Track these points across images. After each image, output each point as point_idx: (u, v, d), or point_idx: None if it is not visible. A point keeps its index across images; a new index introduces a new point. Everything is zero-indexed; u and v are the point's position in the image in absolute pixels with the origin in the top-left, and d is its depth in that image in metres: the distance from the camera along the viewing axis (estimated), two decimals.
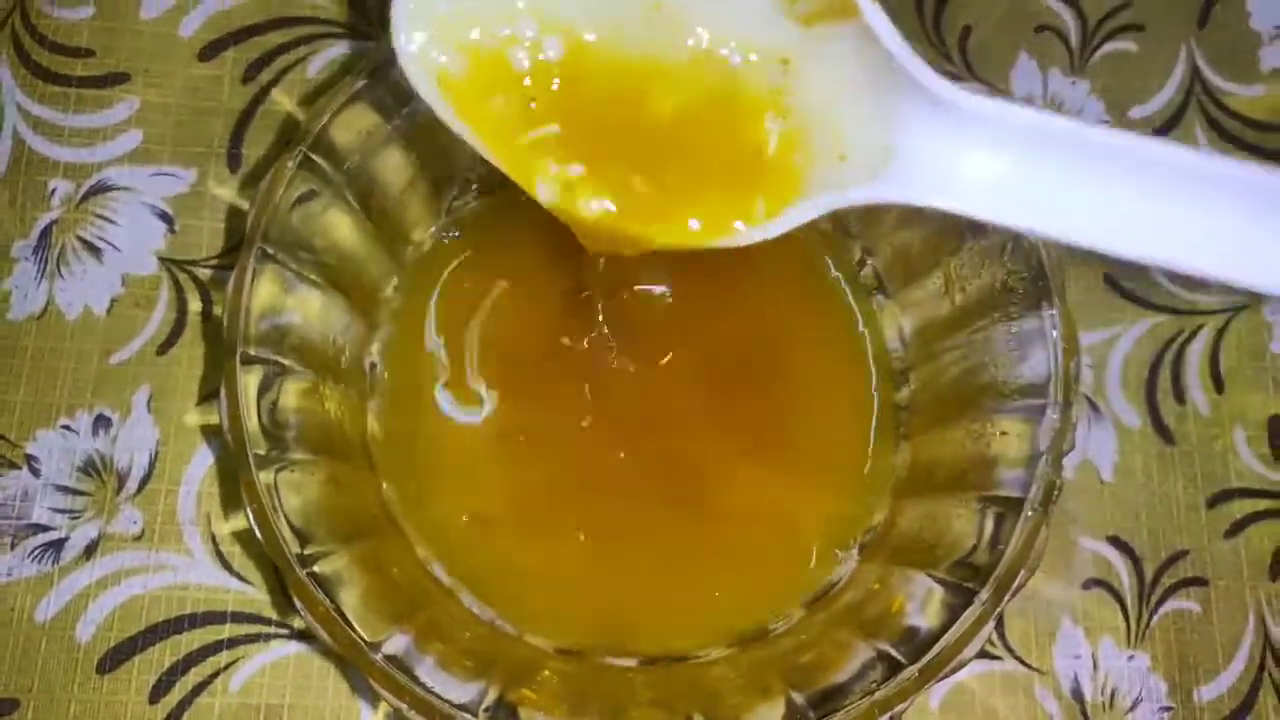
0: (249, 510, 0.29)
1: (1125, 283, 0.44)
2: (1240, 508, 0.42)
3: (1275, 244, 0.21)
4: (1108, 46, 0.47)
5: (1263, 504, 0.42)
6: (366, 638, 0.29)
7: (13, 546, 0.38)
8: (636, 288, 0.39)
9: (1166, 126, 0.46)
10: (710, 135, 0.24)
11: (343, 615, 0.29)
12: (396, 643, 0.30)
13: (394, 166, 0.35)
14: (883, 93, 0.22)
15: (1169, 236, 0.21)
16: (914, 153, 0.22)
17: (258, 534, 0.29)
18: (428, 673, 0.30)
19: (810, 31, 0.22)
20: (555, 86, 0.24)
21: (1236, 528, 0.42)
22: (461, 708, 0.29)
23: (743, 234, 0.25)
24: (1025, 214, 0.23)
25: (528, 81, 0.24)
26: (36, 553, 0.38)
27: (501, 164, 0.25)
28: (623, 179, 0.25)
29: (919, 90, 0.22)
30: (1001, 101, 0.22)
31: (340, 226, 0.34)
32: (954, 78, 0.43)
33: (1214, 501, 0.42)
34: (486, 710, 0.29)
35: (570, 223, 0.26)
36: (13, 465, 0.38)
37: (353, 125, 0.33)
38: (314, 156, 0.32)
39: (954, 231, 0.35)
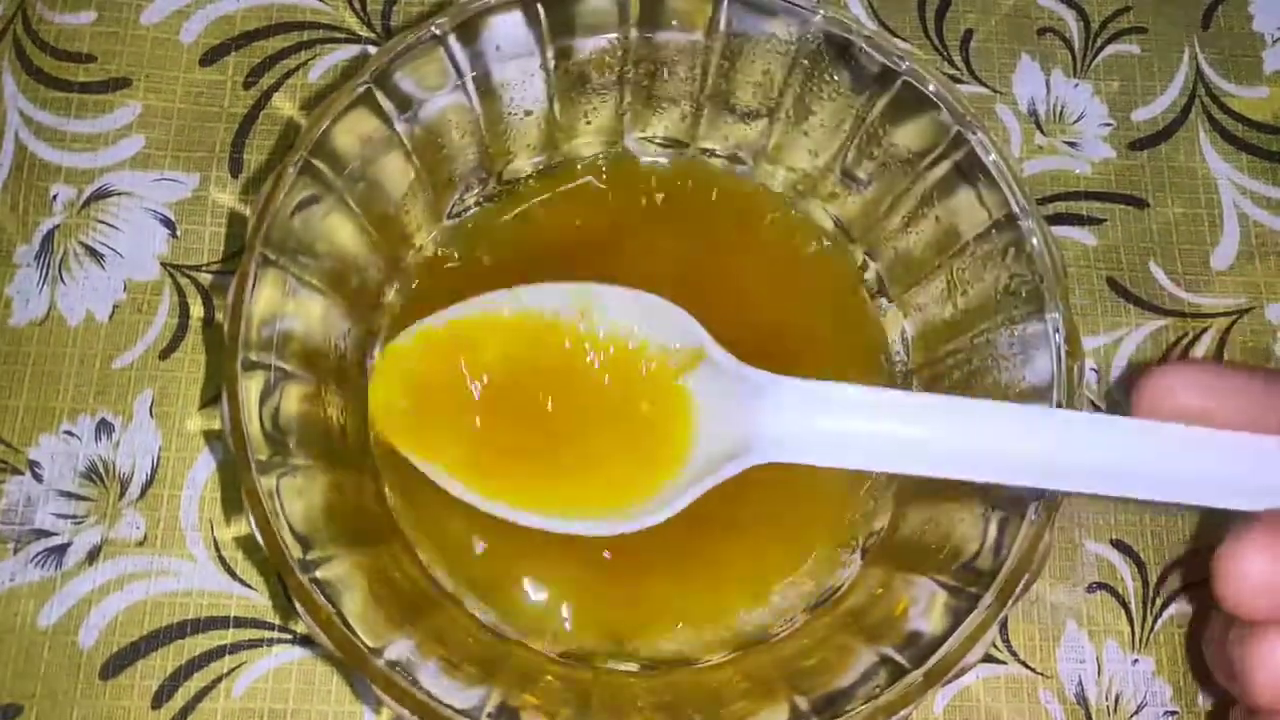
0: (250, 516, 0.29)
1: (1129, 286, 0.44)
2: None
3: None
4: (1110, 49, 0.47)
5: None
6: (369, 643, 0.29)
7: (15, 552, 0.38)
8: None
9: (1170, 129, 0.46)
10: (611, 436, 0.33)
11: (345, 621, 0.29)
12: (399, 648, 0.30)
13: (395, 171, 0.35)
14: (738, 395, 0.31)
15: (978, 462, 0.29)
16: (769, 431, 0.30)
17: (259, 539, 0.29)
18: (430, 678, 0.30)
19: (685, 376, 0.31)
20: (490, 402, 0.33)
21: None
22: (464, 713, 0.29)
23: (636, 517, 0.32)
24: (865, 460, 0.30)
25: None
26: (39, 558, 0.38)
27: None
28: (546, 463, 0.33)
29: (763, 391, 0.30)
30: (820, 385, 0.30)
31: (341, 231, 0.34)
32: (956, 80, 0.43)
33: None
34: (489, 716, 0.29)
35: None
36: (15, 471, 0.38)
37: (354, 130, 0.33)
38: (315, 161, 0.32)
39: (956, 235, 0.35)
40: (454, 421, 0.34)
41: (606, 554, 0.36)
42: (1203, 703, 0.39)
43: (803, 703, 0.31)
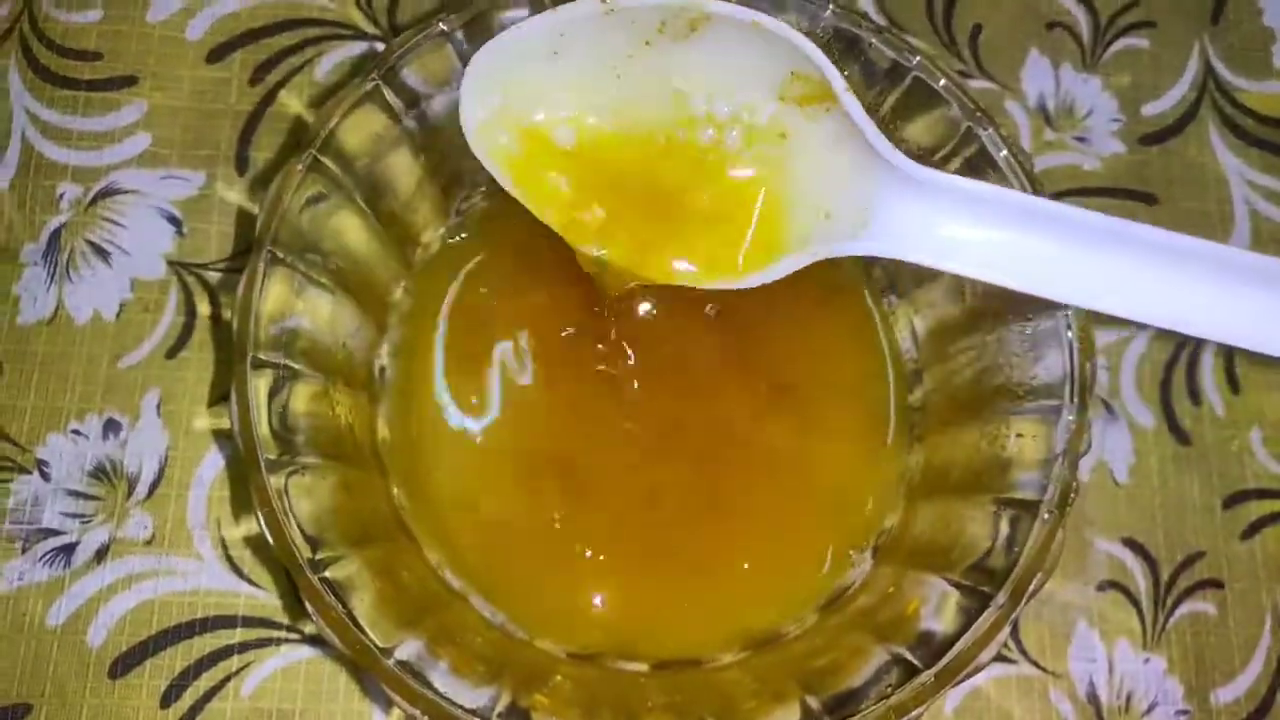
0: (260, 515, 0.29)
1: None
2: (1257, 509, 0.41)
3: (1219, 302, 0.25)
4: (1120, 43, 0.46)
5: (1279, 505, 0.41)
6: (379, 643, 0.29)
7: (24, 551, 0.37)
8: (647, 291, 0.38)
9: (1180, 123, 0.46)
10: (715, 194, 0.28)
11: (355, 620, 0.29)
12: (409, 648, 0.30)
13: (403, 169, 0.35)
14: (861, 165, 0.26)
15: (1110, 289, 0.26)
16: (888, 216, 0.26)
17: (269, 539, 0.29)
18: (440, 678, 0.29)
19: (803, 111, 0.27)
20: (589, 158, 0.28)
21: (1253, 529, 0.41)
22: (474, 713, 0.29)
23: (744, 278, 0.29)
24: (985, 269, 0.27)
25: (567, 154, 0.29)
26: (48, 557, 0.38)
27: (547, 220, 0.30)
28: (642, 229, 0.29)
29: (890, 167, 0.26)
30: (957, 178, 0.27)
31: (349, 229, 0.34)
32: (965, 76, 0.43)
33: (1230, 503, 0.41)
34: (499, 715, 0.29)
35: (596, 267, 0.31)
36: (23, 470, 0.38)
37: (361, 128, 0.33)
38: (323, 159, 0.32)
39: None
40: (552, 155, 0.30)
41: (618, 553, 0.36)
42: (1215, 701, 0.39)
43: (814, 703, 0.30)
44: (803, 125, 0.27)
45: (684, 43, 0.27)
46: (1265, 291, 0.26)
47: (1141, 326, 0.42)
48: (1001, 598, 0.30)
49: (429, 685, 0.29)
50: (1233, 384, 0.43)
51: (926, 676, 0.29)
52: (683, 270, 0.29)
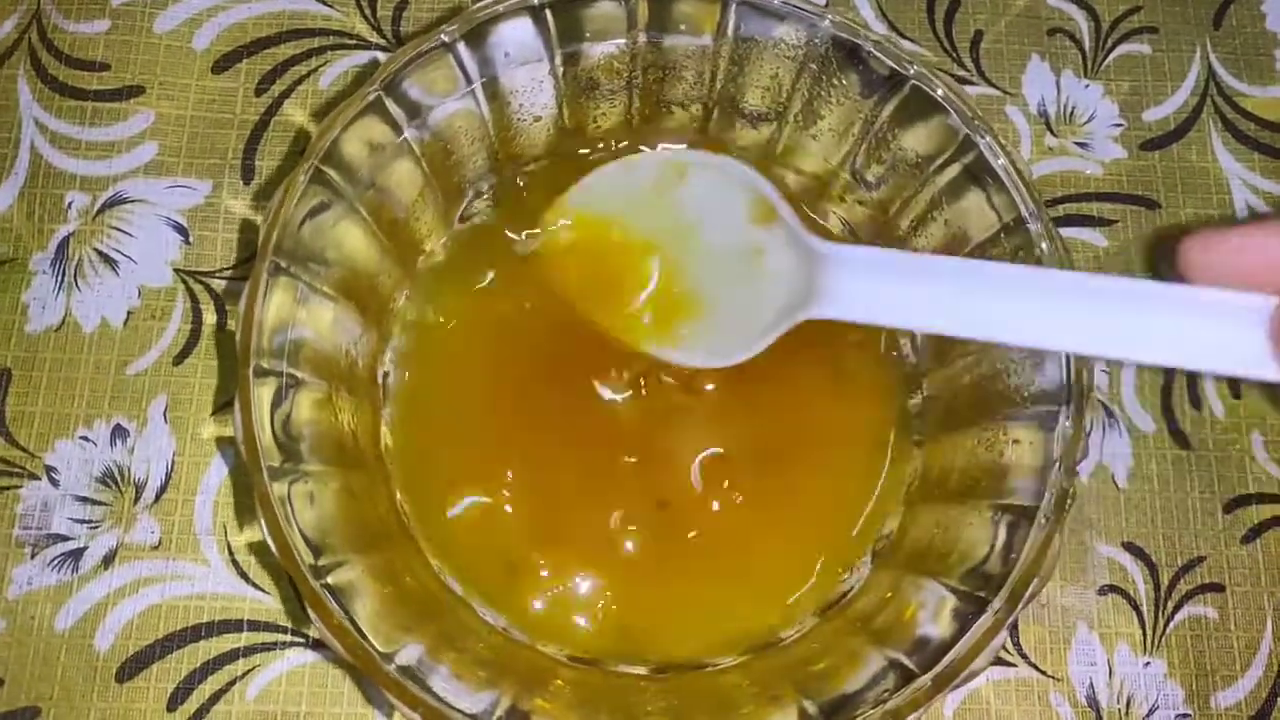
0: (262, 521, 0.29)
1: None
2: (1257, 513, 0.42)
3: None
4: (1121, 49, 0.47)
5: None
6: (380, 648, 0.29)
7: (32, 556, 0.38)
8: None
9: (1181, 129, 0.46)
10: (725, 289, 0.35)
11: (356, 626, 0.29)
12: (410, 653, 0.30)
13: (405, 178, 0.36)
14: (805, 255, 0.32)
15: (1035, 327, 0.28)
16: (836, 288, 0.31)
17: (272, 546, 0.29)
18: (441, 682, 0.30)
19: (763, 227, 0.33)
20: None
21: (1254, 533, 0.41)
22: (474, 717, 0.29)
23: (733, 356, 0.34)
24: (916, 322, 0.32)
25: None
26: (56, 562, 0.38)
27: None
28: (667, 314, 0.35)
29: (825, 254, 0.31)
30: (875, 251, 0.32)
31: (352, 238, 0.35)
32: (966, 82, 0.43)
33: (1231, 507, 0.42)
34: (499, 719, 0.30)
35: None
36: (32, 476, 0.39)
37: (364, 137, 0.33)
38: (325, 169, 0.32)
39: (965, 239, 0.35)
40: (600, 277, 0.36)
41: (619, 558, 0.36)
42: (1215, 705, 0.39)
43: (811, 707, 0.31)
44: (767, 238, 0.33)
45: (681, 187, 0.35)
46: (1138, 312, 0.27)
47: None
48: (998, 603, 0.30)
49: (429, 690, 0.29)
50: (1233, 388, 0.43)
51: (923, 681, 0.30)
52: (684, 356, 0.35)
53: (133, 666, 0.37)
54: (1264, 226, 0.26)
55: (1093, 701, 0.39)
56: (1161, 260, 0.44)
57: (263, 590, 0.38)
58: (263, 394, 0.30)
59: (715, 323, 0.34)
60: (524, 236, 0.39)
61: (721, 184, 0.34)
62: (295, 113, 0.43)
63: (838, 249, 0.31)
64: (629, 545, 0.36)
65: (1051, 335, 0.28)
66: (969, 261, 0.32)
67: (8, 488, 0.39)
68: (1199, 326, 0.26)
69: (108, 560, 0.38)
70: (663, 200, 0.35)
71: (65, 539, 0.38)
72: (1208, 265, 0.26)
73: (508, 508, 0.36)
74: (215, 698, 0.37)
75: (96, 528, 0.38)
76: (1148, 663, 0.40)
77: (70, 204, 0.41)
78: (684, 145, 0.40)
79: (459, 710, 0.29)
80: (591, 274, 0.36)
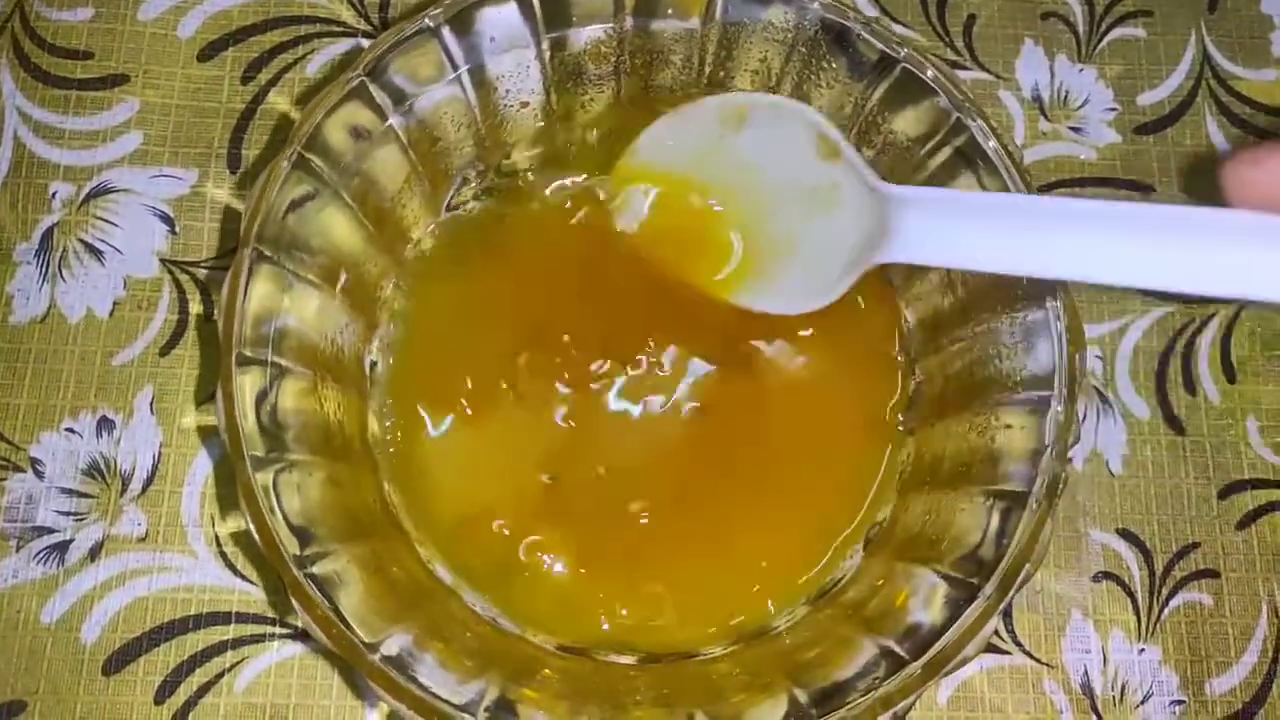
0: (246, 512, 0.29)
1: None
2: (1252, 499, 0.41)
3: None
4: (1116, 32, 0.46)
5: (1275, 495, 0.41)
6: (365, 638, 0.29)
7: (18, 549, 0.38)
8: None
9: (1176, 112, 0.45)
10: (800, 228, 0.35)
11: (341, 616, 0.29)
12: (396, 642, 0.30)
13: (391, 165, 0.35)
14: (877, 198, 0.32)
15: (1105, 262, 0.28)
16: (906, 230, 0.31)
17: (255, 535, 0.29)
18: (427, 672, 0.29)
19: (833, 164, 0.33)
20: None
21: (1248, 519, 0.41)
22: (461, 708, 0.29)
23: (805, 303, 0.34)
24: (984, 263, 0.30)
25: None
26: (42, 555, 0.38)
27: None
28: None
29: (892, 196, 0.31)
30: (941, 191, 0.32)
31: (337, 226, 0.34)
32: (959, 67, 0.42)
33: (1225, 493, 0.41)
34: (487, 710, 0.29)
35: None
36: (17, 468, 0.38)
37: (348, 124, 0.33)
38: (308, 156, 0.32)
39: None
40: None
41: (609, 546, 0.36)
42: (1210, 691, 0.39)
43: (802, 695, 0.30)
44: (837, 176, 0.33)
45: (743, 131, 0.35)
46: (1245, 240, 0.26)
47: (1140, 314, 0.42)
48: (989, 589, 0.30)
49: (415, 680, 0.29)
50: (1228, 373, 0.42)
51: (914, 668, 0.30)
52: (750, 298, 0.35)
53: (120, 659, 0.37)
54: None
55: (1087, 689, 0.39)
56: None
57: (250, 582, 0.38)
58: (245, 383, 0.30)
59: (795, 267, 0.34)
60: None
61: (784, 123, 0.34)
62: (281, 101, 0.43)
63: (905, 190, 0.31)
64: (620, 532, 0.36)
65: (1123, 269, 0.27)
66: (1034, 197, 0.31)
67: None
68: (1261, 253, 0.25)
69: (94, 553, 0.38)
70: (728, 146, 0.35)
71: (51, 532, 0.38)
72: (1252, 184, 0.25)
73: (495, 497, 0.36)
74: (203, 690, 0.37)
75: (83, 520, 0.38)
76: (1142, 649, 0.40)
77: (54, 194, 0.41)
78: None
79: (445, 700, 0.29)
80: (676, 235, 0.36)
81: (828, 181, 0.33)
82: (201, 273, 0.41)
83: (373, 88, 0.33)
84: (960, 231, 0.29)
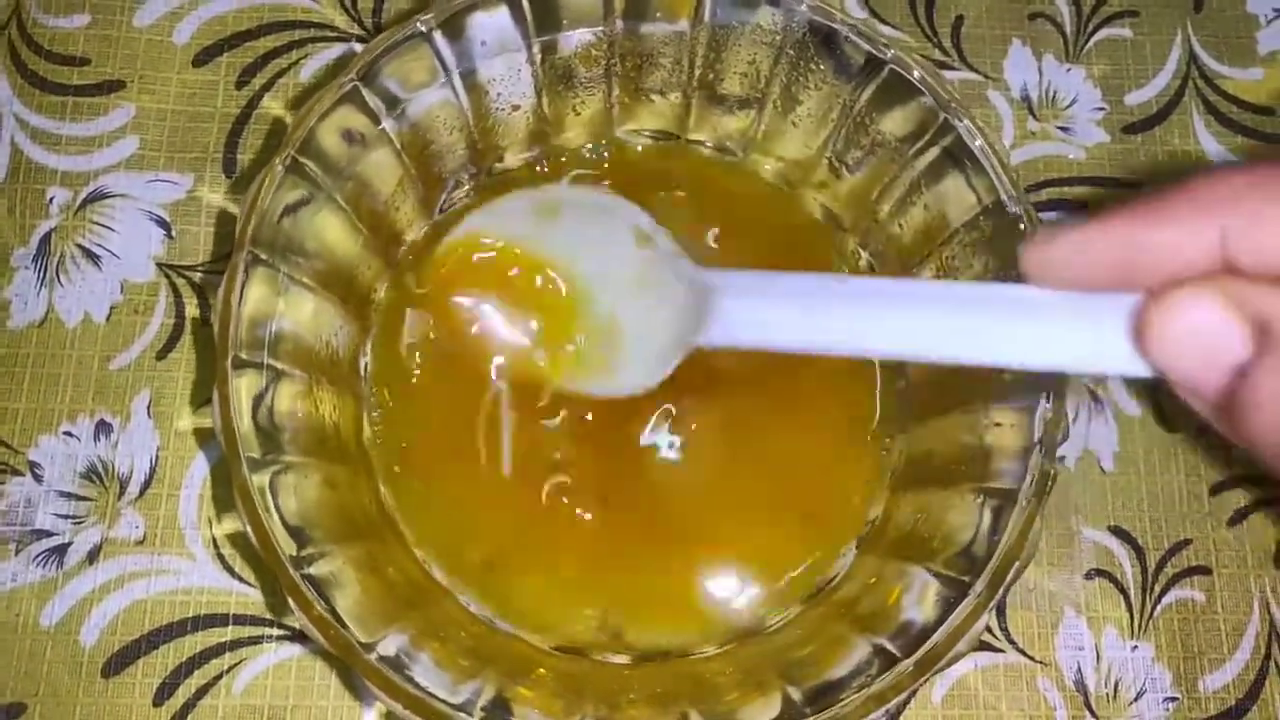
0: (242, 513, 0.29)
1: None
2: (1243, 496, 0.42)
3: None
4: (1102, 32, 0.47)
5: (1266, 492, 0.41)
6: (361, 639, 0.29)
7: (17, 552, 0.38)
8: None
9: (1163, 112, 0.46)
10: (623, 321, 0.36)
11: (337, 617, 0.29)
12: (392, 643, 0.30)
13: (384, 168, 0.35)
14: (696, 284, 0.32)
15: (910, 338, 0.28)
16: (724, 314, 0.31)
17: (251, 537, 0.29)
18: (424, 672, 0.30)
19: (647, 252, 0.35)
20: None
21: (1240, 516, 0.41)
22: (457, 708, 0.29)
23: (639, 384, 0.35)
24: (802, 339, 0.30)
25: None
26: (40, 558, 0.38)
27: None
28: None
29: (708, 282, 0.32)
30: (763, 275, 0.31)
31: (331, 229, 0.34)
32: (947, 67, 0.43)
33: (1217, 490, 0.42)
34: (482, 710, 0.29)
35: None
36: (15, 472, 0.39)
37: (341, 128, 0.33)
38: (302, 160, 0.32)
39: (945, 222, 0.35)
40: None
41: (604, 546, 0.36)
42: (1203, 688, 0.39)
43: (795, 693, 0.31)
44: (657, 261, 0.34)
45: (555, 220, 0.36)
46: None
47: None
48: (980, 586, 0.30)
49: (411, 680, 0.29)
50: None
51: (906, 665, 0.30)
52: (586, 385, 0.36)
53: (119, 662, 0.37)
54: (1102, 224, 0.24)
55: (1080, 686, 0.39)
56: None
57: (248, 584, 0.38)
58: (241, 385, 0.30)
59: (621, 349, 0.35)
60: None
61: (600, 214, 0.35)
62: (276, 106, 0.43)
63: (720, 276, 0.31)
64: (612, 533, 0.36)
65: (922, 345, 0.28)
66: (847, 277, 0.34)
67: None
68: (1066, 329, 0.26)
69: (92, 556, 0.38)
70: (547, 234, 0.36)
71: (49, 535, 0.38)
72: (1048, 264, 0.25)
73: (489, 498, 0.36)
74: (202, 692, 0.37)
75: (81, 523, 0.38)
76: (1135, 646, 0.40)
77: (51, 199, 0.41)
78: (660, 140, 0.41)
79: (441, 699, 0.29)
80: (495, 312, 0.37)
81: (646, 268, 0.34)
82: (197, 276, 0.41)
83: (365, 92, 0.33)
84: (776, 313, 0.30)
